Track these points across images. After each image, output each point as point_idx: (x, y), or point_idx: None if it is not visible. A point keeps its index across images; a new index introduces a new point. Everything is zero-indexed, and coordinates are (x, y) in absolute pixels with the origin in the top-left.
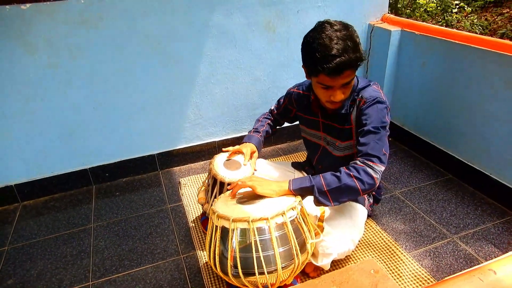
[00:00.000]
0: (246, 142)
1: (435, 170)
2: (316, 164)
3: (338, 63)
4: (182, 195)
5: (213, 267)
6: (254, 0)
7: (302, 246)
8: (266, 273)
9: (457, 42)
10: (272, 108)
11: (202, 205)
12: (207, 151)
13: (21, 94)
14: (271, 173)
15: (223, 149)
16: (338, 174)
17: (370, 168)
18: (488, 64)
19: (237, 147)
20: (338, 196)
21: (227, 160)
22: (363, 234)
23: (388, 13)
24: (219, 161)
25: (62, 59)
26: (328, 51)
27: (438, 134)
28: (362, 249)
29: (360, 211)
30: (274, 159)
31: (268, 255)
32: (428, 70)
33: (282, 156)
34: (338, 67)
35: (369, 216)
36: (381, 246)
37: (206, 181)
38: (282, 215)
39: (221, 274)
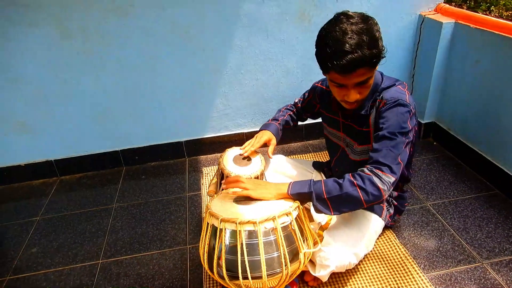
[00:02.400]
0: (263, 130)
1: (480, 183)
2: (333, 166)
3: (349, 60)
4: (202, 184)
5: (202, 262)
6: None
7: (295, 255)
8: (250, 278)
9: None
10: (297, 100)
11: (211, 197)
12: (235, 142)
13: (58, 78)
14: (288, 171)
15: (240, 148)
16: (340, 181)
17: (378, 177)
18: None
19: (250, 140)
20: (338, 205)
21: (240, 155)
22: (378, 246)
23: (444, 2)
24: (230, 155)
25: (95, 45)
26: (339, 46)
27: (486, 142)
28: (373, 261)
29: (372, 222)
30: (301, 155)
31: (254, 260)
32: (482, 70)
33: (312, 152)
34: (349, 64)
35: (389, 227)
36: (395, 261)
37: (216, 173)
38: (273, 220)
39: (209, 271)
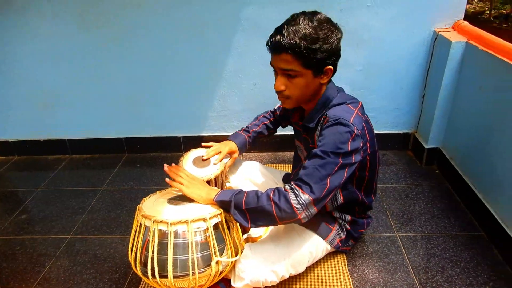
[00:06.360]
0: (229, 140)
1: (467, 222)
2: (291, 179)
3: (278, 40)
4: None
5: (128, 253)
6: None
7: (209, 262)
8: (157, 276)
9: None
10: (276, 108)
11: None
12: None
13: (73, 65)
14: (256, 179)
15: (203, 144)
16: (260, 194)
17: (294, 195)
18: None
19: (217, 144)
20: (255, 217)
21: (202, 156)
22: (323, 270)
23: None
24: (192, 155)
25: (106, 39)
26: (280, 26)
27: (481, 178)
28: (310, 284)
29: (310, 243)
30: (286, 165)
31: (164, 259)
32: (484, 98)
33: None
34: (276, 44)
35: (343, 252)
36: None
37: None
38: (186, 224)
39: (131, 263)
